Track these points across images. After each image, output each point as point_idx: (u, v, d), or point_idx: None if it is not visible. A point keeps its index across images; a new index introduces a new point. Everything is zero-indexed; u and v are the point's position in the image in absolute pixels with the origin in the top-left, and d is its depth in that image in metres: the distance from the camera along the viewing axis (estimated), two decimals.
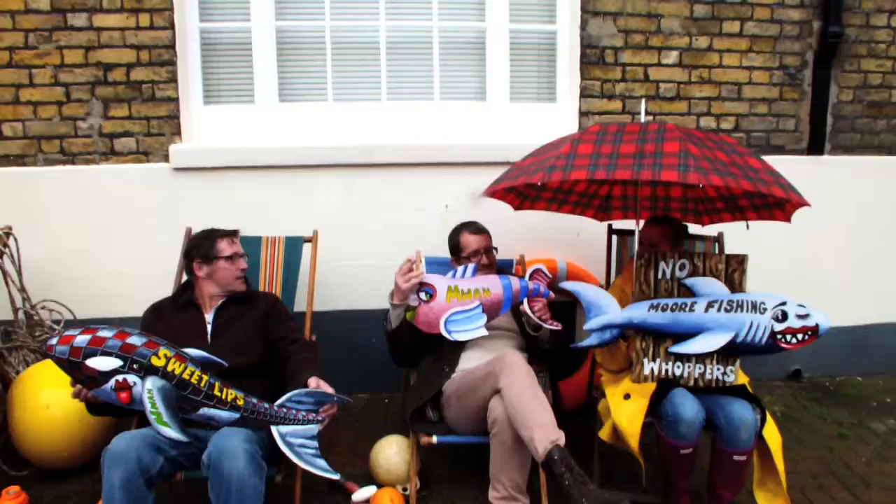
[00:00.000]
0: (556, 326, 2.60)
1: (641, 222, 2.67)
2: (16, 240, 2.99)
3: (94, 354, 1.85)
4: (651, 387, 2.38)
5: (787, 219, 2.64)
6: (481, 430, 2.42)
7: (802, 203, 2.27)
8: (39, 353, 3.10)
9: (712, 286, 2.42)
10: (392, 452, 2.70)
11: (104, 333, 1.88)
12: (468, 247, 2.80)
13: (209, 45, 3.44)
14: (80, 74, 3.25)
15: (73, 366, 1.86)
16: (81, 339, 1.86)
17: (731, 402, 2.35)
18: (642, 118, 2.55)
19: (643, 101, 2.65)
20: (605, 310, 2.48)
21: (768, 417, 2.40)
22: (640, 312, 2.42)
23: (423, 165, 3.43)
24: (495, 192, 2.66)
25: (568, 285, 2.59)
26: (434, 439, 2.49)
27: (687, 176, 2.04)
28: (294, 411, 2.11)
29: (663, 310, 2.40)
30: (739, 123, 3.59)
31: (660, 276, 2.47)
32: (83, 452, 2.74)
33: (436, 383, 2.59)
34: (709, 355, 2.37)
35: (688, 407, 2.29)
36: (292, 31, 3.46)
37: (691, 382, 2.38)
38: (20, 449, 2.75)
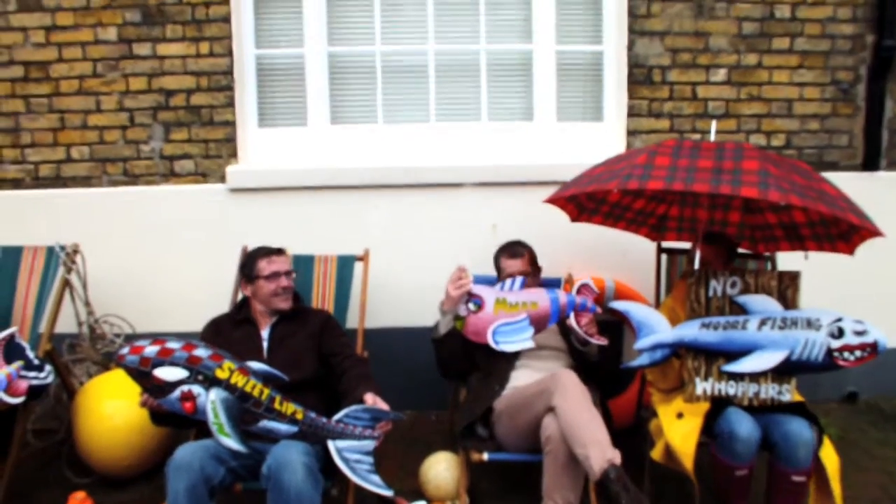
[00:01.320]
0: (602, 341, 2.61)
1: (699, 252, 2.66)
2: (83, 257, 3.13)
3: (162, 365, 1.94)
4: (705, 406, 2.36)
5: (851, 251, 2.57)
6: (532, 447, 2.43)
7: (876, 233, 2.24)
8: (102, 365, 3.23)
9: (765, 303, 2.40)
10: (442, 469, 2.72)
11: (172, 345, 1.96)
12: (505, 271, 2.85)
13: (264, 70, 3.57)
14: (144, 100, 3.41)
15: (141, 375, 1.94)
16: (151, 350, 1.94)
17: (788, 420, 2.31)
18: (712, 138, 2.54)
19: (714, 123, 2.65)
20: (656, 329, 2.48)
21: (825, 438, 2.35)
22: (691, 331, 2.41)
23: (471, 185, 3.48)
24: (560, 198, 2.69)
25: (618, 305, 2.59)
26: (485, 456, 2.49)
27: (768, 193, 2.03)
28: (351, 427, 2.16)
29: (715, 328, 2.39)
30: (791, 140, 3.55)
31: (711, 294, 2.46)
32: (142, 461, 2.83)
33: (486, 400, 2.61)
34: (763, 374, 2.34)
35: (743, 424, 2.26)
36: (344, 55, 3.57)
37: (745, 402, 2.35)
38: (83, 457, 2.85)
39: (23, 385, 2.43)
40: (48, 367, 2.58)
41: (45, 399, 3.12)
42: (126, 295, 3.41)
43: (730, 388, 2.37)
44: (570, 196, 2.74)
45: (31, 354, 2.57)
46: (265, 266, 2.59)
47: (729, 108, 3.50)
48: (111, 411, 2.78)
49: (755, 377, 2.35)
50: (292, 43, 3.53)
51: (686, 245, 3.09)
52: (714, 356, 2.39)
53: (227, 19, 3.35)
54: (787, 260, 2.92)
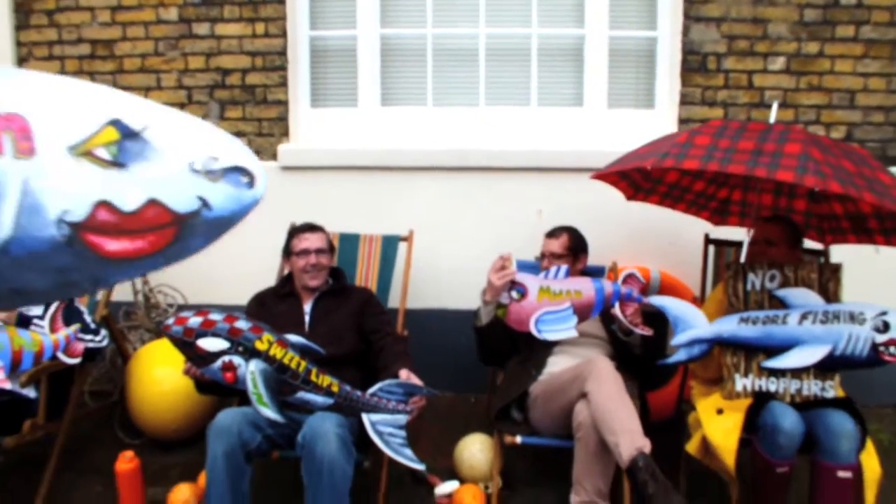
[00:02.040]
0: (648, 332, 2.57)
1: (752, 231, 2.58)
2: None
3: (204, 335, 2.00)
4: (746, 401, 2.31)
5: None
6: (566, 433, 2.43)
7: None
8: (154, 332, 3.37)
9: (806, 297, 2.33)
10: (476, 450, 2.75)
11: (215, 317, 2.03)
12: (541, 249, 2.88)
13: (318, 51, 3.62)
14: (201, 79, 3.52)
15: (185, 345, 2.02)
16: (194, 321, 2.01)
17: (830, 413, 2.24)
18: (772, 121, 2.46)
19: (775, 104, 2.57)
20: (693, 324, 2.43)
21: (869, 443, 2.26)
22: (729, 326, 2.36)
23: (519, 170, 3.47)
24: (606, 175, 2.66)
25: (654, 300, 2.55)
26: (518, 439, 2.51)
27: (804, 178, 1.95)
28: (385, 401, 2.20)
29: (754, 323, 2.33)
30: (852, 133, 3.41)
31: (749, 287, 2.40)
32: (189, 426, 2.96)
33: (522, 384, 2.62)
34: (805, 370, 2.28)
35: (788, 417, 2.20)
36: (396, 38, 3.60)
37: (787, 399, 2.29)
38: (135, 419, 3.00)
39: (79, 347, 2.56)
40: (104, 332, 2.72)
41: (101, 362, 3.29)
42: (179, 267, 3.49)
43: (770, 385, 2.32)
44: (619, 172, 2.69)
45: (88, 318, 2.71)
46: (296, 243, 2.66)
47: (787, 97, 3.38)
48: (161, 377, 2.91)
49: (797, 373, 2.29)
50: (345, 25, 3.58)
51: (739, 234, 2.98)
52: (754, 352, 2.34)
53: (282, 1, 3.42)
54: (839, 255, 2.83)
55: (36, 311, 2.72)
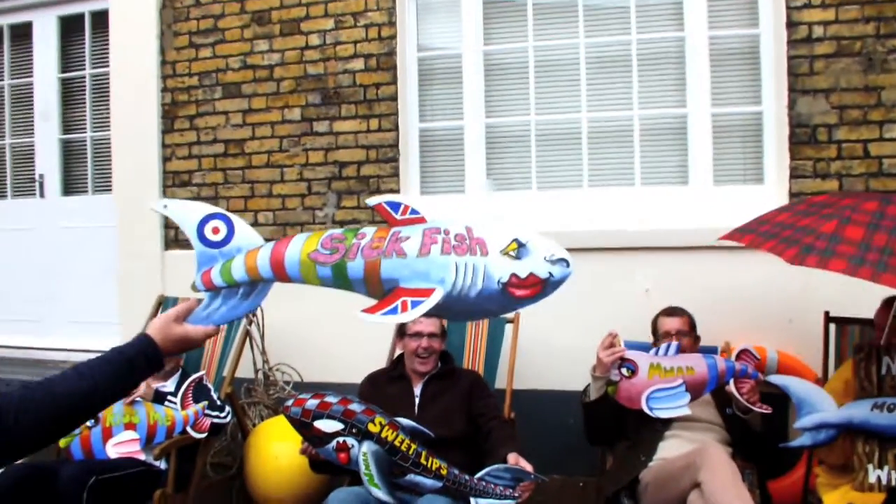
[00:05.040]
0: (766, 410, 2.45)
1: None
2: (262, 310, 3.50)
3: (321, 417, 2.12)
4: (879, 497, 2.14)
5: None
6: None
7: None
8: (272, 409, 3.55)
9: None
10: None
11: (330, 399, 2.14)
12: (661, 328, 2.83)
13: (426, 141, 3.84)
14: (321, 171, 3.81)
15: (303, 426, 2.14)
16: (312, 403, 2.14)
17: None
18: None
19: None
20: (820, 407, 2.31)
21: None
22: (861, 412, 2.22)
23: (624, 250, 3.46)
24: (740, 239, 2.55)
25: (776, 379, 2.45)
26: None
27: None
28: (493, 485, 2.21)
29: (890, 410, 2.18)
30: None
31: (884, 371, 2.25)
32: (303, 500, 3.06)
33: (632, 470, 2.55)
34: None
35: None
36: (500, 126, 3.76)
37: None
38: (252, 491, 3.15)
39: (206, 422, 2.77)
40: (228, 409, 2.92)
41: (223, 437, 3.49)
42: (296, 346, 3.74)
43: None
44: (751, 241, 2.47)
45: (214, 396, 2.92)
46: (411, 324, 2.75)
47: None
48: (278, 452, 3.06)
49: None
50: (452, 116, 3.78)
51: (864, 309, 2.77)
52: (889, 441, 2.18)
53: (394, 97, 3.69)
54: None
55: (169, 387, 2.97)
